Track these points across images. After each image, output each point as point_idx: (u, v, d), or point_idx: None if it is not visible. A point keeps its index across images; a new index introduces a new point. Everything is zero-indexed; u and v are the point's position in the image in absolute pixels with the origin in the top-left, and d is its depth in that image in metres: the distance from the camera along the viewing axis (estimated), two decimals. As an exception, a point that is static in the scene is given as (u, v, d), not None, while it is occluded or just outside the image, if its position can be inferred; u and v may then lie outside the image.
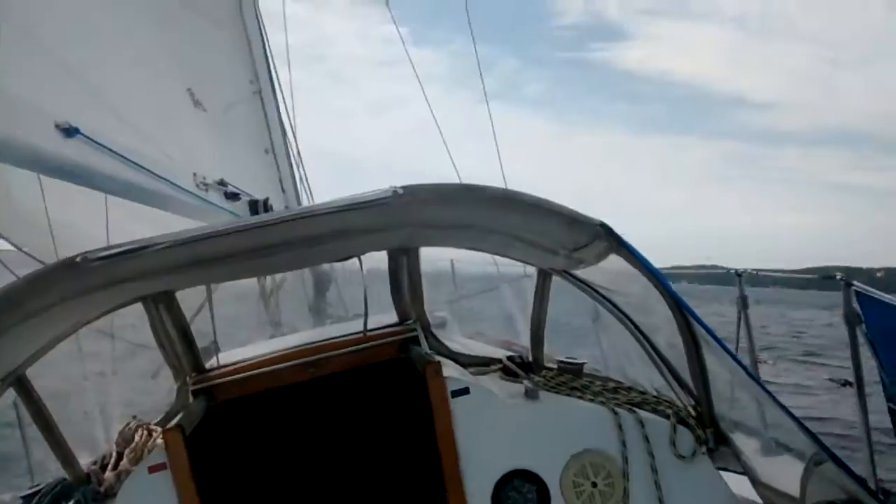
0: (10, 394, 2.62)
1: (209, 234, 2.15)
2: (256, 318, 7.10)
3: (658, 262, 2.44)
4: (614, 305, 3.02)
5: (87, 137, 2.98)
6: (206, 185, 4.24)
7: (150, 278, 2.56)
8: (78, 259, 1.99)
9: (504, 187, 2.42)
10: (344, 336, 3.35)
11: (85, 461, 2.92)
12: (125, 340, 5.45)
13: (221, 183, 4.45)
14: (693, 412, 2.74)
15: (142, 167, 3.42)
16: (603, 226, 2.30)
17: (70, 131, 2.89)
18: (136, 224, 4.75)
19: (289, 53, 6.66)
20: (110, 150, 3.15)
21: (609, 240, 2.34)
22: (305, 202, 6.01)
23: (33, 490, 2.64)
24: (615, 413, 2.72)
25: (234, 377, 3.12)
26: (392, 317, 3.61)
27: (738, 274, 4.00)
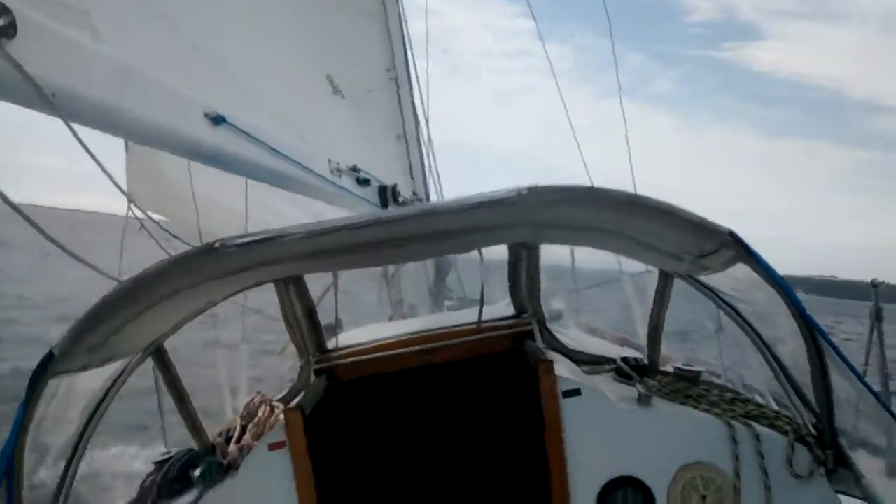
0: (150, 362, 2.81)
1: (340, 227, 2.24)
2: (377, 298, 7.31)
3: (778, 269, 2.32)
4: (737, 313, 2.90)
5: (233, 126, 3.13)
6: (339, 170, 4.37)
7: (281, 264, 2.68)
8: (216, 245, 2.12)
9: (629, 191, 2.36)
10: (460, 325, 3.40)
11: (212, 432, 3.11)
12: (255, 313, 5.77)
13: (354, 169, 4.57)
14: (813, 430, 2.60)
15: (281, 154, 3.56)
16: (731, 234, 2.23)
17: (217, 120, 3.05)
18: (273, 197, 4.99)
19: (428, 43, 6.76)
20: (254, 137, 3.31)
21: (737, 248, 2.26)
22: (433, 189, 6.09)
23: (165, 457, 2.81)
24: (730, 426, 2.61)
25: (354, 359, 3.25)
26: (509, 308, 3.62)
27: (875, 285, 3.70)
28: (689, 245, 2.46)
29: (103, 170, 2.64)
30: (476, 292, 3.38)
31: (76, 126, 2.32)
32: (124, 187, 6.77)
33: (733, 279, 2.59)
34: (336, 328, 3.91)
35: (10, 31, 2.01)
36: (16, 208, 2.26)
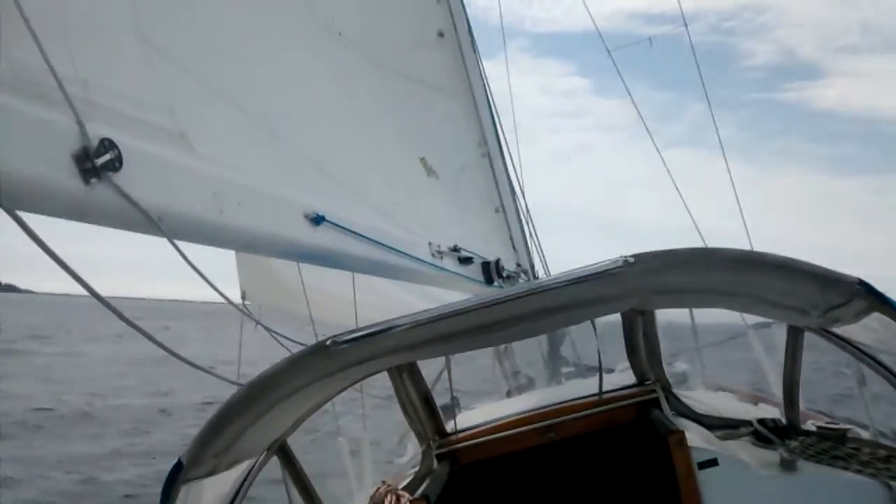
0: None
1: (447, 314, 2.25)
2: (492, 373, 7.21)
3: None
4: (879, 364, 2.66)
5: (333, 223, 3.16)
6: (440, 252, 4.35)
7: (393, 354, 2.68)
8: (328, 343, 2.17)
9: (743, 249, 2.24)
10: (580, 398, 3.31)
11: None
12: (373, 396, 5.78)
13: (455, 249, 4.55)
14: None
15: (382, 244, 3.57)
16: (862, 283, 2.09)
17: (317, 219, 3.08)
18: (382, 280, 5.02)
19: (515, 119, 6.81)
20: (354, 232, 3.33)
21: (869, 298, 2.11)
22: (536, 259, 6.00)
23: None
24: (889, 487, 2.40)
25: (474, 441, 3.20)
26: (629, 375, 3.50)
27: None
28: (816, 299, 2.30)
29: (213, 287, 2.69)
30: (592, 357, 3.27)
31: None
32: (236, 282, 7.10)
33: (869, 329, 2.40)
34: (454, 408, 3.88)
35: (116, 164, 2.09)
36: (132, 324, 2.32)
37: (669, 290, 2.69)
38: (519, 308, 2.38)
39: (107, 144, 2.08)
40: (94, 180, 2.03)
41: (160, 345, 2.41)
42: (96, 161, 2.03)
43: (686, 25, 7.06)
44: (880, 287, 2.09)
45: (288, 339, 4.40)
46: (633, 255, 2.10)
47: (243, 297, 6.91)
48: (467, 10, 5.65)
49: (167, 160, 2.42)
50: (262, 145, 3.19)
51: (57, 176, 1.96)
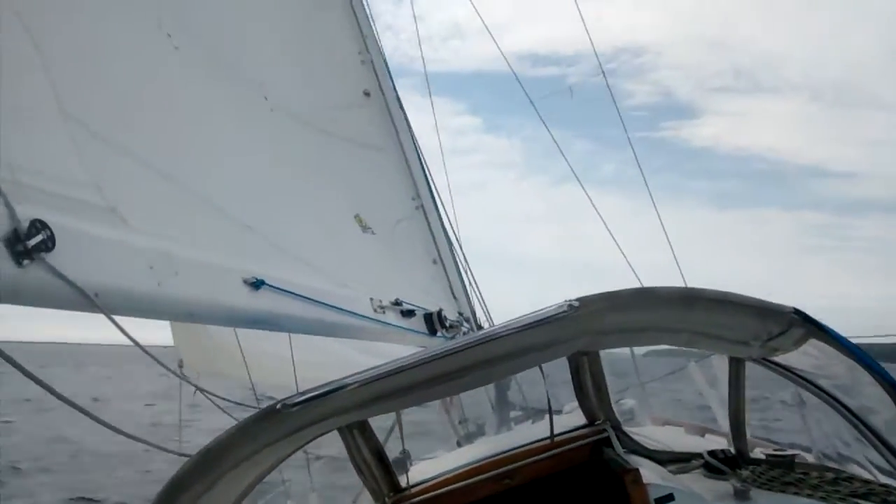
0: None
1: (396, 370, 2.25)
2: (440, 424, 7.16)
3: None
4: (820, 389, 2.76)
5: (272, 286, 3.15)
6: (382, 307, 4.36)
7: (344, 414, 2.66)
8: (278, 406, 2.14)
9: (682, 286, 2.33)
10: (532, 442, 3.31)
11: None
12: (320, 456, 5.68)
13: (396, 302, 4.56)
14: None
15: (325, 304, 3.57)
16: (797, 312, 2.18)
17: (256, 284, 3.08)
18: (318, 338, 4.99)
19: (445, 164, 6.92)
20: (294, 293, 3.33)
21: (806, 326, 2.21)
22: (478, 307, 6.05)
23: None
24: None
25: (430, 494, 3.16)
26: (578, 416, 3.53)
27: None
28: (756, 330, 2.39)
29: (155, 359, 2.65)
30: (539, 399, 3.30)
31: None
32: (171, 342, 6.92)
33: (808, 355, 2.50)
34: (405, 462, 3.84)
35: (48, 244, 2.07)
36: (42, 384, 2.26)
37: (615, 331, 2.75)
38: (468, 359, 2.39)
39: (38, 225, 2.07)
40: (26, 262, 2.01)
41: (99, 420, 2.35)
42: (28, 243, 2.01)
43: (604, 74, 7.33)
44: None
45: (229, 401, 4.32)
46: (577, 299, 2.15)
47: (180, 365, 6.74)
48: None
49: (100, 236, 2.41)
50: (195, 214, 3.18)
51: (-12, 261, 1.93)
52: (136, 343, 2.60)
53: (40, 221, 2.08)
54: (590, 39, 7.48)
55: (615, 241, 6.96)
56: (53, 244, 2.09)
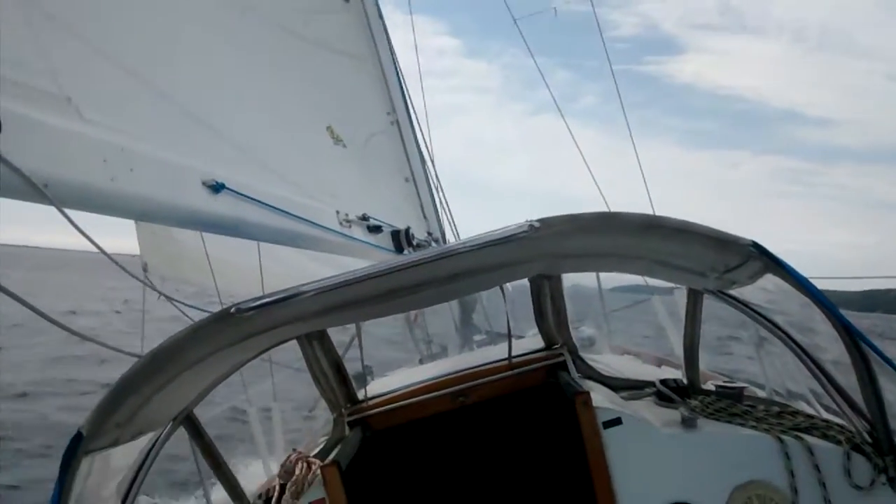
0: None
1: (354, 280, 2.22)
2: (403, 340, 7.26)
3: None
4: (773, 325, 2.79)
5: (233, 191, 3.09)
6: (349, 221, 4.32)
7: (301, 322, 2.66)
8: (233, 310, 2.12)
9: (646, 214, 2.31)
10: (490, 363, 3.36)
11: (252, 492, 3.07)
12: (284, 366, 5.74)
13: (364, 218, 4.52)
14: (868, 438, 2.48)
15: (288, 213, 3.52)
16: (756, 245, 2.18)
17: (216, 187, 3.01)
18: (288, 249, 4.97)
19: (422, 81, 6.77)
20: (256, 200, 3.26)
21: (763, 259, 2.21)
22: (447, 226, 6.03)
23: None
24: (781, 440, 2.51)
25: (386, 408, 3.22)
26: (538, 340, 3.58)
27: None
28: (713, 261, 2.40)
29: (110, 258, 2.60)
30: (503, 324, 3.33)
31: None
32: (137, 251, 6.87)
33: (764, 290, 2.52)
34: (365, 377, 3.89)
35: (-7, 128, 1.98)
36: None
37: (575, 254, 2.76)
38: (427, 273, 2.39)
39: (-17, 108, 1.97)
40: (-31, 146, 1.92)
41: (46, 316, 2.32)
42: (-29, 125, 1.92)
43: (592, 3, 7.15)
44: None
45: (193, 307, 4.30)
46: (539, 220, 2.13)
47: (144, 269, 6.69)
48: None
49: (52, 125, 2.31)
50: (155, 110, 3.05)
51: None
52: (91, 240, 2.54)
53: (-15, 104, 1.98)
54: None
55: (591, 171, 6.95)
56: (-1, 128, 2.00)
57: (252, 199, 3.22)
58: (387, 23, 5.65)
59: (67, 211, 2.29)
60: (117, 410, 2.12)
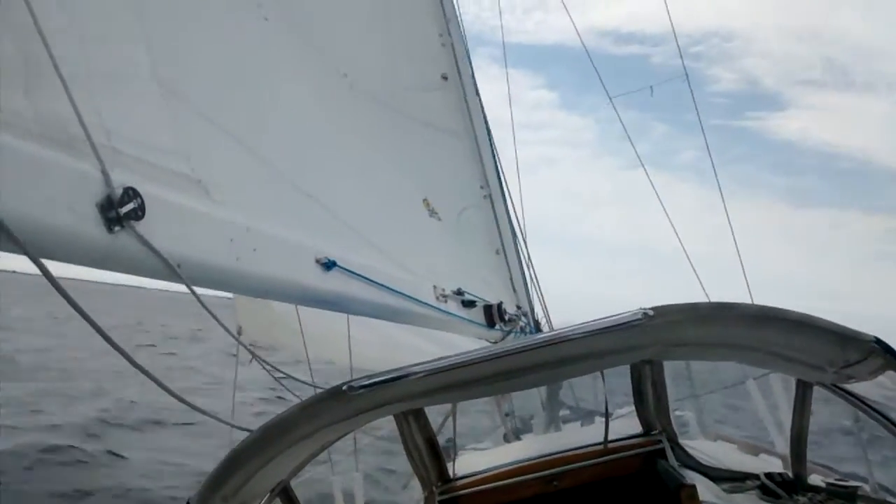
0: None
1: (463, 363, 2.24)
2: (490, 415, 7.16)
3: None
4: (890, 421, 2.66)
5: (344, 268, 3.15)
6: (444, 296, 4.34)
7: (406, 401, 2.67)
8: (344, 388, 2.15)
9: (761, 305, 2.25)
10: (585, 447, 3.29)
11: None
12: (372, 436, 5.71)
13: (458, 292, 4.53)
14: None
15: (391, 289, 3.56)
16: (878, 342, 2.09)
17: (328, 265, 3.07)
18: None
19: (517, 160, 6.85)
20: (364, 277, 3.32)
21: (886, 356, 2.12)
22: (536, 302, 5.99)
23: None
24: None
25: (478, 488, 3.18)
26: (633, 422, 3.49)
27: None
28: (832, 356, 2.30)
29: (223, 326, 2.67)
30: (590, 401, 3.25)
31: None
32: (233, 318, 7.07)
33: (881, 386, 2.41)
34: (454, 451, 3.86)
35: (139, 212, 2.08)
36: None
37: (686, 343, 2.70)
38: (537, 357, 2.38)
39: (130, 193, 2.08)
40: (117, 229, 2.02)
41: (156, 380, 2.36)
42: (120, 210, 2.02)
43: (687, 76, 7.15)
44: (867, 324, 2.09)
45: (287, 375, 4.37)
46: (653, 308, 2.10)
47: (239, 332, 6.86)
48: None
49: (186, 207, 2.42)
50: (273, 189, 3.18)
51: (81, 224, 1.95)
52: (211, 313, 2.63)
53: (133, 189, 2.08)
54: (671, 25, 7.31)
55: (675, 231, 6.84)
56: (143, 213, 2.10)
57: (360, 275, 3.27)
58: (484, 76, 5.74)
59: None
60: (227, 483, 2.19)
